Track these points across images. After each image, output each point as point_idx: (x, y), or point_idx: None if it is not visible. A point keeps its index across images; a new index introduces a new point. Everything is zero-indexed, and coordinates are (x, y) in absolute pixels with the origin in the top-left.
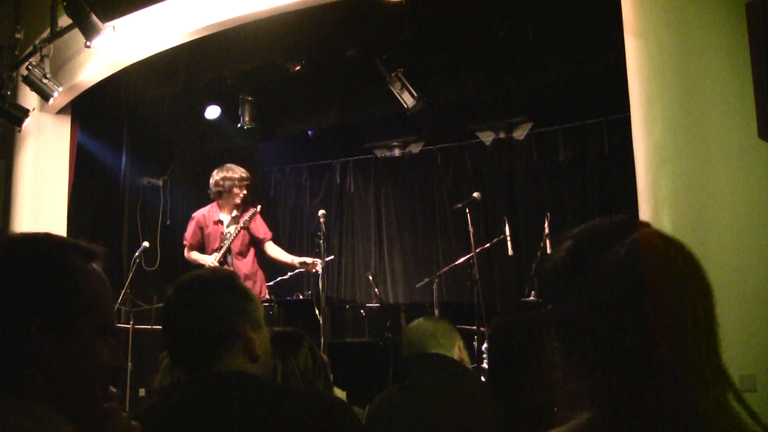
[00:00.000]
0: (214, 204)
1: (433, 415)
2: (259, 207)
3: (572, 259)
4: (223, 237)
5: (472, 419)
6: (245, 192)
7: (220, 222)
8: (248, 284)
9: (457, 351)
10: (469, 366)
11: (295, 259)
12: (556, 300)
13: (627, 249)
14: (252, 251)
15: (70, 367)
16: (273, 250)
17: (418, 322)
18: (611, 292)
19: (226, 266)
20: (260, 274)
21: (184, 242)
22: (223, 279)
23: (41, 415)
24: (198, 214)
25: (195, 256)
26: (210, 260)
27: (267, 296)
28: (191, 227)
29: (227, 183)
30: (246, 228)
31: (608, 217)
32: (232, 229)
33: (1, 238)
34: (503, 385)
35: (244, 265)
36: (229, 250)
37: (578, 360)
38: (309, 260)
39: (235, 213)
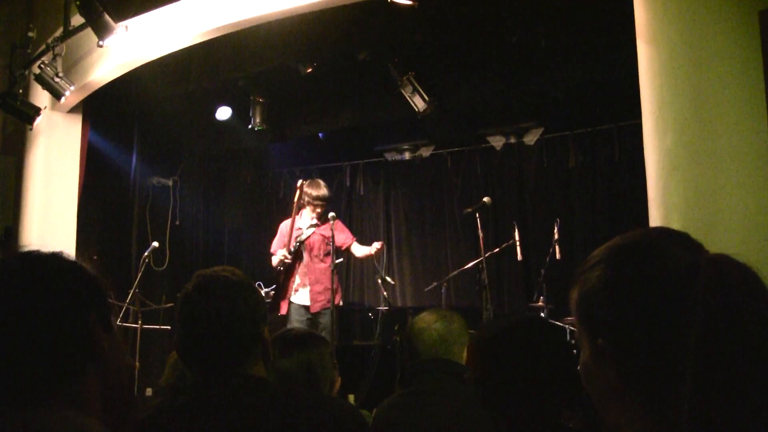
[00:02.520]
0: (297, 214)
1: (439, 422)
2: (331, 216)
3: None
4: (297, 237)
5: (478, 428)
6: (318, 211)
7: (299, 229)
8: (317, 288)
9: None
10: None
11: (372, 248)
12: (603, 318)
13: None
14: (330, 259)
15: (115, 360)
16: (357, 250)
17: (429, 321)
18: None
19: (298, 263)
20: (336, 282)
21: (271, 251)
22: (245, 281)
23: (88, 428)
24: (283, 224)
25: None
26: (281, 252)
27: (340, 303)
28: (276, 237)
29: (305, 198)
30: (324, 234)
31: (644, 230)
32: (309, 231)
33: (25, 257)
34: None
35: (321, 271)
36: (304, 249)
37: (639, 386)
38: (378, 245)
39: (314, 221)
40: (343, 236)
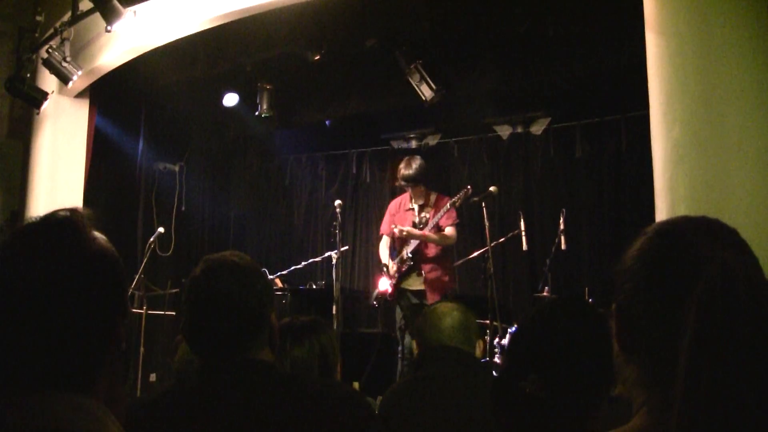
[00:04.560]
0: (407, 194)
1: (447, 408)
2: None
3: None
4: (415, 225)
5: (486, 417)
6: (404, 185)
7: (411, 210)
8: (428, 267)
9: (479, 351)
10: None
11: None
12: (633, 295)
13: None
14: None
15: (123, 344)
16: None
17: (451, 308)
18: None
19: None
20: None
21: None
22: (254, 265)
23: (101, 416)
24: (392, 204)
25: (382, 253)
26: (392, 267)
27: (452, 287)
28: (385, 218)
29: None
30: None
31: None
32: (423, 216)
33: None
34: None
35: (430, 250)
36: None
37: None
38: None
39: (422, 201)
40: (444, 219)
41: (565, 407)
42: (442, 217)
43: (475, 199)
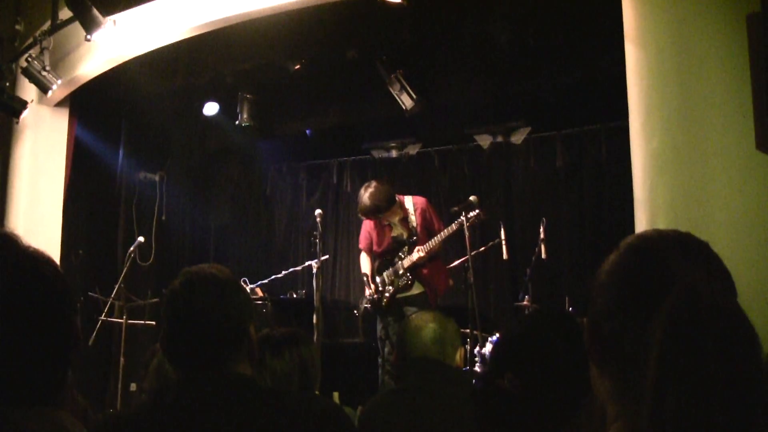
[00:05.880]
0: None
1: (427, 420)
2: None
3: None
4: (400, 241)
5: (465, 428)
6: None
7: (388, 225)
8: (425, 270)
9: (458, 358)
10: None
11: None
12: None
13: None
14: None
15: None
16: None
17: (426, 320)
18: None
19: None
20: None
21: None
22: (233, 278)
23: (70, 428)
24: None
25: (363, 265)
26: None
27: (450, 283)
28: (362, 232)
29: None
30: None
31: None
32: (412, 227)
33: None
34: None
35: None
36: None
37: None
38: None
39: (399, 216)
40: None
41: (540, 406)
42: (432, 223)
43: (456, 208)
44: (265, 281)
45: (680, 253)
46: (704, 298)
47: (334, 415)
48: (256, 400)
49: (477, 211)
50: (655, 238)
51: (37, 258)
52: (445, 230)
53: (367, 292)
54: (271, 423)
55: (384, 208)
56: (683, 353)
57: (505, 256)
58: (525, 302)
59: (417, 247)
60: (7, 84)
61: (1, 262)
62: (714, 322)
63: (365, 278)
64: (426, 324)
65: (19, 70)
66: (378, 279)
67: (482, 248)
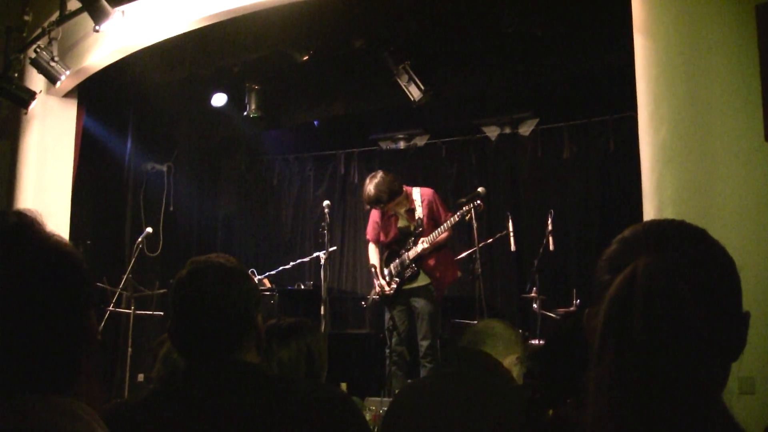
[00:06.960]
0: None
1: (460, 406)
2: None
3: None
4: (406, 231)
5: (498, 422)
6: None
7: (394, 216)
8: (432, 261)
9: (510, 361)
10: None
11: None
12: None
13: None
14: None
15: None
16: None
17: (491, 320)
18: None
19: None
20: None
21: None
22: (240, 267)
23: (86, 417)
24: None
25: (371, 256)
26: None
27: (458, 274)
28: (370, 223)
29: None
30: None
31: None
32: (417, 218)
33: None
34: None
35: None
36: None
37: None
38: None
39: (405, 207)
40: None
41: None
42: (439, 214)
43: (463, 199)
44: (273, 272)
45: (645, 240)
46: (640, 281)
47: (342, 402)
48: (264, 387)
49: (478, 201)
50: (636, 227)
51: (60, 245)
52: (448, 221)
53: (376, 283)
54: (279, 410)
55: (388, 198)
56: (614, 334)
57: (512, 248)
58: (533, 293)
59: (422, 239)
60: (16, 74)
61: (25, 246)
62: (645, 305)
63: (373, 269)
64: (490, 320)
65: (28, 61)
66: (386, 270)
67: (490, 240)
